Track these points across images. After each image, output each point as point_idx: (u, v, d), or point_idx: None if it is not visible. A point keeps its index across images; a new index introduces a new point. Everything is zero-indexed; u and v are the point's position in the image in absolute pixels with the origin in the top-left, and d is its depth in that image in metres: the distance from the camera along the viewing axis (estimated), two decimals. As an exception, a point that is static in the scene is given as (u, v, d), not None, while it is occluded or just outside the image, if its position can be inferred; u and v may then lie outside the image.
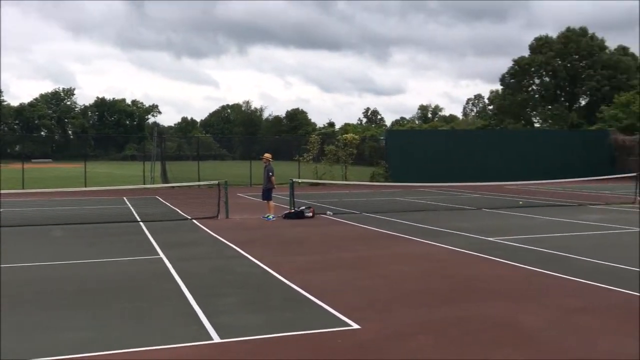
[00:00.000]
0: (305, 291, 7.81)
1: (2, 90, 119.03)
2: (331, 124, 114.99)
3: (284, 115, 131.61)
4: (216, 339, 5.83)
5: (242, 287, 8.24)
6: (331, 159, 36.38)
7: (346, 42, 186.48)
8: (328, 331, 6.09)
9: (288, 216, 16.83)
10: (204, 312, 6.77)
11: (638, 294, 7.54)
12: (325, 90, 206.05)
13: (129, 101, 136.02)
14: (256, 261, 10.13)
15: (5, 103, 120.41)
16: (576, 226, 14.75)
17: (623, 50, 63.23)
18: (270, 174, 16.99)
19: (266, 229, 14.92)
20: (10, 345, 5.63)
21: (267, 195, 17.00)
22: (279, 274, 8.95)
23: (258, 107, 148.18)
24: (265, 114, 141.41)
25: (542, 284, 8.33)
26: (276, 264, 9.78)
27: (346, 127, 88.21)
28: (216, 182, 18.57)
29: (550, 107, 64.83)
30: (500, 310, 6.94)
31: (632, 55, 62.93)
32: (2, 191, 20.48)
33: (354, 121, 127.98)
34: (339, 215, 17.61)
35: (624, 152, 41.03)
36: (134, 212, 18.85)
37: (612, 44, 66.67)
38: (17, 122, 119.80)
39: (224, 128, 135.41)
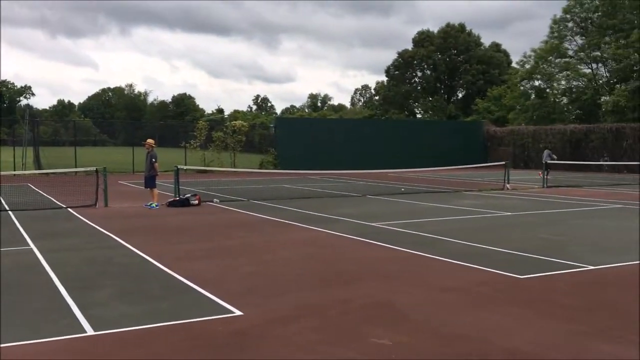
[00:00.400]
0: (187, 279, 7.65)
1: None
2: (220, 111, 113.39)
3: (170, 100, 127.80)
4: (89, 331, 5.55)
5: (120, 278, 7.90)
6: (219, 146, 35.86)
7: (235, 27, 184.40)
8: (209, 319, 6.00)
9: (172, 204, 16.38)
10: (77, 304, 6.43)
11: (504, 273, 8.14)
12: (213, 75, 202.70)
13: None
14: (136, 250, 9.76)
15: None
16: (452, 211, 15.63)
17: (496, 46, 67.67)
18: (154, 160, 16.41)
19: (149, 217, 14.42)
20: None
21: (150, 182, 16.43)
22: (160, 263, 8.69)
23: (142, 91, 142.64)
24: (150, 99, 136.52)
25: (418, 266, 8.76)
26: (158, 252, 9.49)
27: (235, 114, 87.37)
28: (94, 168, 17.67)
29: (431, 98, 68.09)
30: (378, 291, 7.20)
31: (504, 51, 67.54)
32: None
33: (244, 108, 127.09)
34: (226, 203, 17.42)
35: (495, 142, 44.10)
36: (2, 201, 17.46)
37: (486, 40, 71.22)
38: None
39: (104, 112, 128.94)
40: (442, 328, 5.77)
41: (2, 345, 5.15)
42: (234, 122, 39.62)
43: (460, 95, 69.30)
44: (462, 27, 66.27)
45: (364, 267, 8.64)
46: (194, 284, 7.44)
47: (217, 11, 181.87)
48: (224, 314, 6.18)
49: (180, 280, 7.66)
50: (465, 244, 10.50)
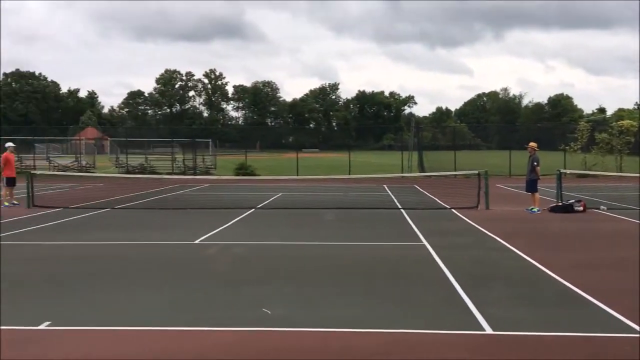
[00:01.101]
0: (580, 290, 7.23)
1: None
2: (601, 110, 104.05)
3: (545, 101, 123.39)
4: (488, 329, 5.75)
5: (510, 280, 7.98)
6: (603, 148, 32.95)
7: (618, 19, 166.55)
8: (612, 336, 5.56)
9: (554, 209, 15.76)
10: (472, 301, 6.73)
11: None
12: (592, 72, 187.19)
13: (387, 93, 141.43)
14: (522, 254, 9.71)
15: (281, 99, 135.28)
16: None
17: None
18: (535, 164, 16.07)
19: (531, 222, 14.19)
20: (287, 314, 6.35)
21: (531, 186, 16.12)
22: (549, 270, 8.44)
23: (516, 93, 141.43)
24: (525, 101, 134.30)
25: None
26: (544, 258, 9.25)
27: (620, 113, 78.89)
28: (475, 172, 18.29)
29: None
30: None
31: None
32: (281, 177, 23.14)
33: (630, 106, 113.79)
34: (614, 211, 15.89)
35: None
36: (395, 200, 19.60)
37: None
38: (290, 116, 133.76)
39: (479, 117, 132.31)
40: None
41: (403, 331, 5.76)
42: (621, 122, 35.83)
43: None
44: None
45: None
46: (589, 295, 6.98)
47: (597, 3, 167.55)
48: (628, 333, 5.63)
49: (574, 290, 7.29)
50: None
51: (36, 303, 6.82)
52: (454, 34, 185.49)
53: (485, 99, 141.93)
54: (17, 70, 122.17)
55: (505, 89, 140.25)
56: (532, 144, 16.45)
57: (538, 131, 64.31)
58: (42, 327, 5.87)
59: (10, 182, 17.65)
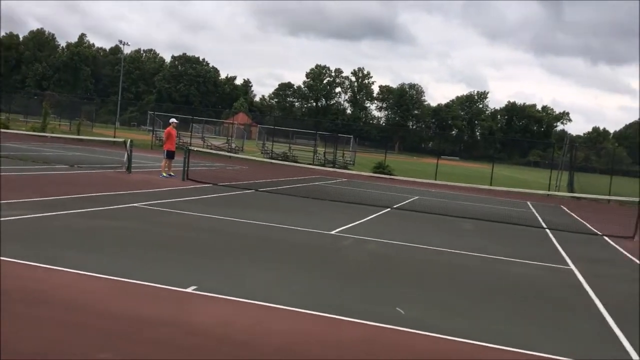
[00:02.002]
0: None
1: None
2: None
3: None
4: (642, 369, 5.21)
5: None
6: None
7: None
8: None
9: None
10: (624, 335, 6.14)
11: None
12: None
13: (539, 107, 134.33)
14: (687, 296, 8.68)
15: (425, 103, 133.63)
16: None
17: None
18: None
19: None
20: (421, 316, 6.17)
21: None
22: None
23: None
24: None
25: None
26: None
27: None
28: (635, 199, 16.70)
29: None
30: None
31: None
32: (418, 180, 22.84)
33: None
34: None
35: None
36: (539, 218, 18.50)
37: None
38: (433, 120, 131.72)
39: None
40: None
41: (541, 354, 5.37)
42: None
43: None
44: None
45: None
46: None
47: None
48: None
49: None
50: None
51: (184, 267, 7.29)
52: (619, 51, 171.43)
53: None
54: (184, 54, 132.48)
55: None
56: None
57: None
58: (189, 290, 6.26)
59: (170, 155, 19.12)
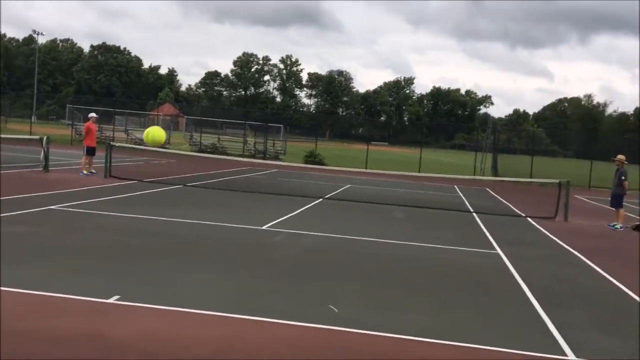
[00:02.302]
0: (674, 322, 6.62)
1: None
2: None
3: (631, 112, 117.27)
4: (570, 355, 5.32)
5: (591, 302, 7.45)
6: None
7: None
8: None
9: (638, 228, 14.76)
10: (552, 322, 6.28)
11: None
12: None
13: (462, 91, 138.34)
14: (605, 274, 9.08)
15: (354, 89, 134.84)
16: None
17: None
18: (623, 178, 15.09)
19: (612, 239, 13.35)
20: (353, 313, 6.10)
21: (616, 201, 15.17)
22: (634, 293, 7.82)
23: (601, 102, 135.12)
24: (609, 110, 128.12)
25: None
26: (628, 281, 8.59)
27: None
28: (555, 180, 17.42)
29: None
30: None
31: None
32: (349, 169, 22.95)
33: None
34: None
35: None
36: (466, 202, 18.98)
37: None
38: (362, 107, 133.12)
39: (557, 123, 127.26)
40: None
41: (479, 346, 5.40)
42: None
43: None
44: None
45: None
46: (684, 329, 6.37)
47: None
48: None
49: (665, 322, 6.68)
50: None
51: (105, 275, 6.88)
52: (537, 35, 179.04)
53: (566, 104, 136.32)
54: (104, 43, 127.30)
55: (589, 96, 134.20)
56: (620, 156, 15.44)
57: (623, 143, 61.06)
58: (111, 300, 5.90)
59: (90, 152, 18.25)
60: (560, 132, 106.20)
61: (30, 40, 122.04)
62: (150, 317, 5.55)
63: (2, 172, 16.93)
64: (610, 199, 15.72)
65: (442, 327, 5.93)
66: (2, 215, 10.07)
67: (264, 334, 5.32)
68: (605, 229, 14.81)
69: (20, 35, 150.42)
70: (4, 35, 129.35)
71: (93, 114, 19.32)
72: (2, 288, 5.98)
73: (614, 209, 15.33)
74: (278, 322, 5.60)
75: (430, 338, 5.51)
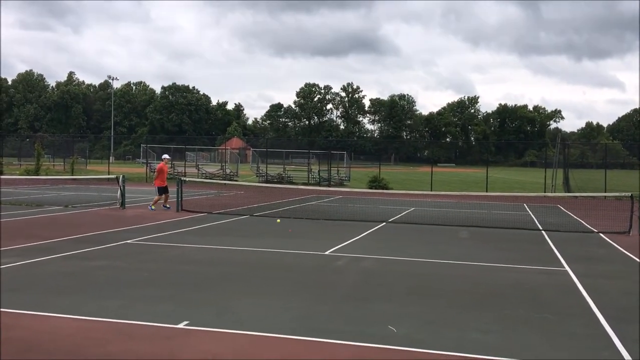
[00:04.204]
0: None
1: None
2: None
3: None
4: (635, 370, 5.20)
5: (665, 317, 7.16)
6: None
7: None
8: None
9: None
10: (617, 336, 6.13)
11: None
12: None
13: (530, 107, 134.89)
14: (682, 289, 8.69)
15: (417, 112, 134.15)
16: None
17: None
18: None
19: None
20: (413, 333, 6.17)
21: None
22: None
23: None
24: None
25: None
26: None
27: None
28: (627, 194, 16.76)
29: None
30: None
31: None
32: (414, 192, 22.87)
33: None
34: None
35: None
36: (535, 220, 18.52)
37: None
38: (426, 129, 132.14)
39: (635, 134, 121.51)
40: None
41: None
42: None
43: None
44: None
45: None
46: None
47: None
48: None
49: None
50: None
51: (176, 302, 7.29)
52: (602, 45, 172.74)
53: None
54: (174, 84, 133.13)
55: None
56: None
57: None
58: (180, 325, 6.26)
59: (161, 191, 19.12)
60: (638, 143, 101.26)
61: (106, 85, 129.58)
62: (217, 341, 5.85)
63: (82, 211, 18.04)
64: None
65: (504, 345, 5.91)
66: (82, 251, 10.81)
67: (324, 354, 5.51)
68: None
69: (96, 81, 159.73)
70: (83, 82, 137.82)
71: (166, 156, 20.32)
72: (83, 317, 6.49)
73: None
74: (337, 343, 5.78)
75: (493, 356, 5.51)
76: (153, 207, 18.72)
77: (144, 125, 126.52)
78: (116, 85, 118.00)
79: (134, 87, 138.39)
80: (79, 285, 8.10)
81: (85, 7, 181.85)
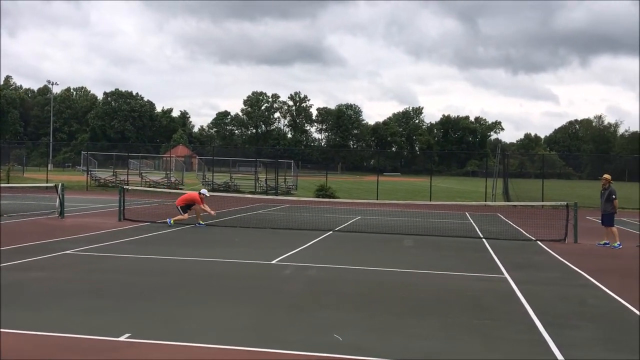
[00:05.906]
0: (678, 337, 6.67)
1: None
2: None
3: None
4: (569, 373, 5.42)
5: (596, 321, 7.50)
6: None
7: None
8: None
9: (650, 246, 14.72)
10: (554, 341, 6.37)
11: None
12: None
13: (472, 119, 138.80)
14: (612, 294, 9.12)
15: (364, 122, 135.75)
16: None
17: None
18: (614, 197, 15.15)
19: (622, 258, 13.33)
20: (358, 341, 6.24)
21: (609, 220, 15.19)
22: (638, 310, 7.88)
23: (612, 122, 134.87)
24: (620, 130, 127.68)
25: None
26: (636, 299, 8.63)
27: None
28: (563, 203, 17.47)
29: None
30: None
31: None
32: (360, 200, 23.12)
33: None
34: None
35: None
36: (477, 228, 19.04)
37: None
38: (372, 139, 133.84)
39: (570, 145, 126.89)
40: None
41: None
42: None
43: None
44: None
45: None
46: (688, 344, 6.42)
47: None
48: None
49: (669, 337, 6.73)
50: None
51: (117, 314, 7.11)
52: (537, 59, 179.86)
53: (577, 126, 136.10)
54: (117, 89, 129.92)
55: (600, 117, 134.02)
56: (606, 175, 15.72)
57: (634, 162, 60.69)
58: (122, 338, 6.10)
59: (184, 209, 17.65)
60: (573, 154, 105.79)
61: (45, 90, 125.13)
62: (162, 353, 5.74)
63: (19, 220, 17.35)
64: (601, 219, 15.71)
65: (445, 351, 6.05)
66: (20, 262, 10.39)
67: (270, 364, 5.48)
68: (612, 249, 14.75)
69: (35, 86, 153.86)
70: (20, 86, 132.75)
71: (205, 192, 18.67)
72: (15, 331, 6.23)
73: (606, 227, 15.34)
74: (284, 352, 5.77)
75: (434, 362, 5.64)
76: (201, 222, 17.46)
77: (85, 132, 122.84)
78: (56, 90, 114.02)
79: (74, 93, 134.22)
80: (16, 297, 7.78)
81: (20, 7, 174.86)
